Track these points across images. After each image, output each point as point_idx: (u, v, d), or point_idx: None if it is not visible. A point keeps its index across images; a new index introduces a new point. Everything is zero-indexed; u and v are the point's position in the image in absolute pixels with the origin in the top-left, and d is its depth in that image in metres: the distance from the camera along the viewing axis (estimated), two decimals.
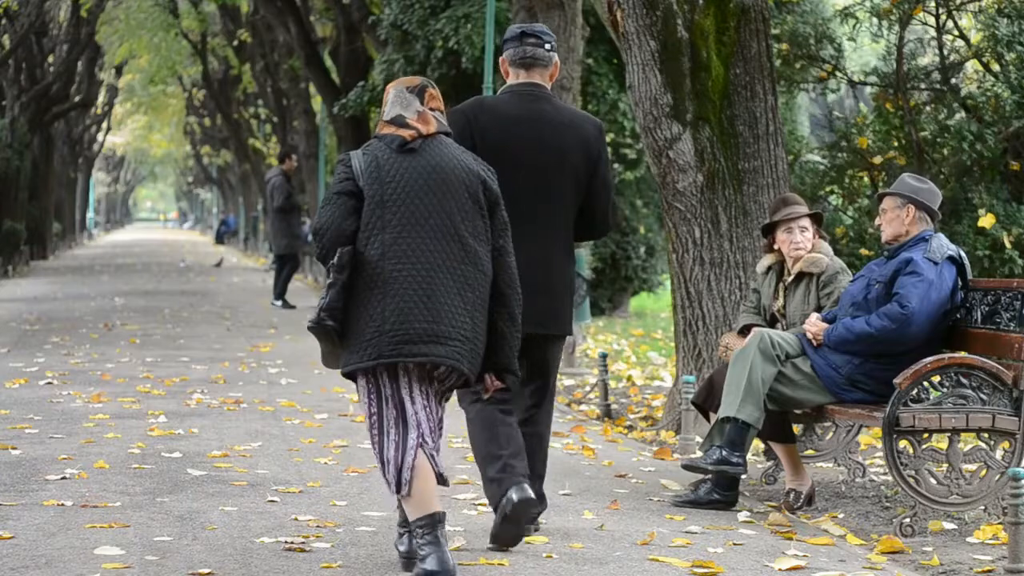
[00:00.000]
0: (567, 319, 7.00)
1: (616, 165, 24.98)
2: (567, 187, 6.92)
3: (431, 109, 6.22)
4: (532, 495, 6.49)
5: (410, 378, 6.01)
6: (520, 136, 6.85)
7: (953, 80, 12.56)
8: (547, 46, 6.99)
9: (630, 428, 11.12)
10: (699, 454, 8.09)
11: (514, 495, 6.44)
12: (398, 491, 5.99)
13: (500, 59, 7.11)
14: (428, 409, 6.04)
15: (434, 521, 5.92)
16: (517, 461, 6.56)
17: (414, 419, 6.00)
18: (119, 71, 53.22)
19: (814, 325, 7.91)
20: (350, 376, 6.09)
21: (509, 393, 6.62)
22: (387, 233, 6.01)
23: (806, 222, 8.39)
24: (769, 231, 8.53)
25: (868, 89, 13.11)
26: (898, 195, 7.86)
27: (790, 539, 7.05)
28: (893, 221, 7.85)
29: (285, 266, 23.43)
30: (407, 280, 5.97)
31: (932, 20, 12.42)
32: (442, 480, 6.03)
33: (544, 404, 7.02)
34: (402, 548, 6.28)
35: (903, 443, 7.28)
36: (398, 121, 6.16)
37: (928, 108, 12.46)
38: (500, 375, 6.22)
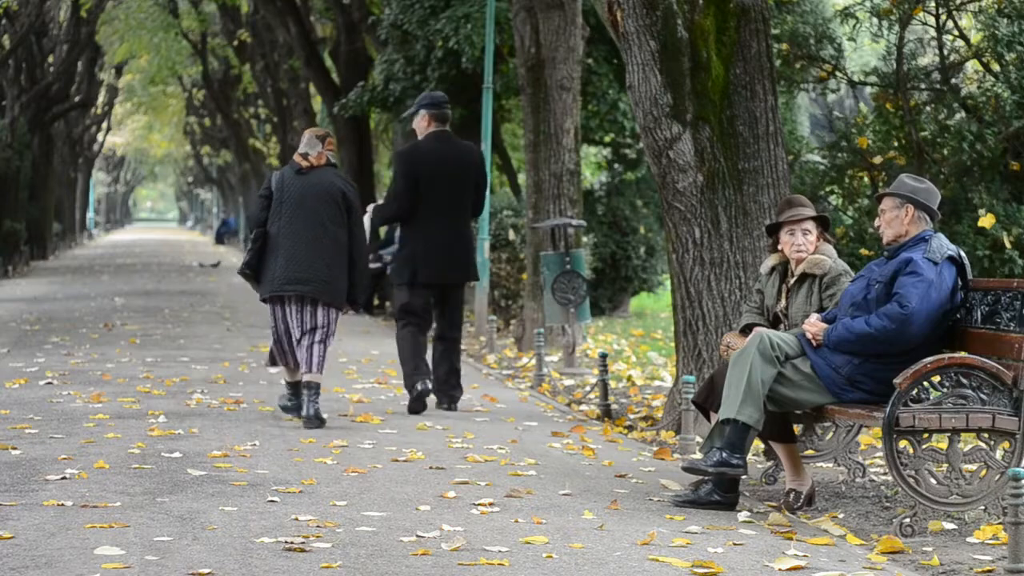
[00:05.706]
0: (469, 273, 11.64)
1: (616, 165, 25.00)
2: (465, 190, 11.60)
3: (327, 150, 10.73)
4: (429, 386, 11.29)
5: (291, 304, 10.66)
6: (441, 163, 11.46)
7: (953, 80, 12.54)
8: (448, 108, 11.68)
9: (630, 428, 11.11)
10: (699, 455, 8.08)
11: (419, 386, 11.27)
12: (287, 367, 10.79)
13: (422, 114, 11.56)
14: (302, 322, 10.63)
15: (309, 384, 10.53)
16: (423, 364, 11.33)
17: (296, 327, 10.66)
18: (119, 71, 53.24)
19: (813, 325, 7.90)
20: (264, 301, 10.78)
21: (426, 322, 11.56)
22: (281, 220, 10.64)
23: (809, 224, 8.38)
24: (773, 231, 8.53)
25: (868, 89, 13.10)
26: (896, 195, 7.85)
27: (790, 539, 7.04)
28: (892, 222, 7.84)
29: None
30: (290, 248, 10.58)
31: (932, 20, 12.40)
32: (306, 365, 10.57)
33: (454, 326, 11.62)
34: (289, 403, 10.82)
35: (903, 443, 7.28)
36: (304, 155, 10.71)
37: (928, 108, 12.44)
38: (352, 305, 10.83)
